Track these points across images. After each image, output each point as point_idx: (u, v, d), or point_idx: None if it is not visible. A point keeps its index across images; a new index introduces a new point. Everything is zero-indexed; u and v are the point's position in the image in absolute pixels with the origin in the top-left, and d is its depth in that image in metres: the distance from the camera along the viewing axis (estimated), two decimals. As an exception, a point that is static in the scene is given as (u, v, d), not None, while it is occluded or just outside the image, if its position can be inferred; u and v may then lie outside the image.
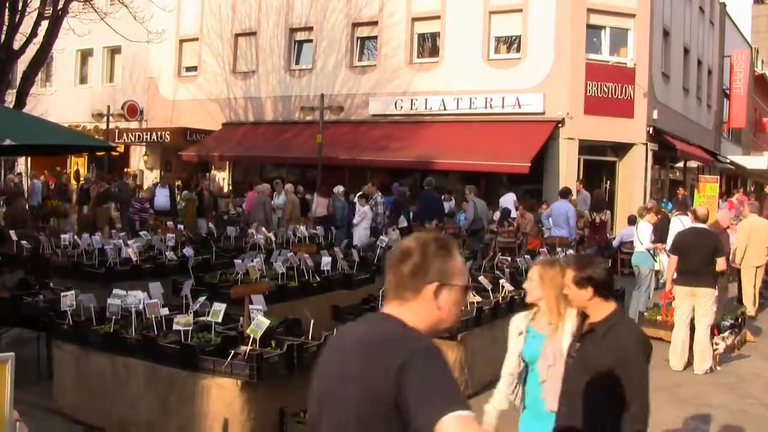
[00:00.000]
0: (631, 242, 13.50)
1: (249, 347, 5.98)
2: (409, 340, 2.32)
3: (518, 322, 4.60)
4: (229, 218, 19.64)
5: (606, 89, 21.91)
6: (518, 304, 9.06)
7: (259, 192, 18.07)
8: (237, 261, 9.58)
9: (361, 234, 16.04)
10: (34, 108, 23.20)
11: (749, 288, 13.41)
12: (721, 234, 11.70)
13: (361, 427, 2.27)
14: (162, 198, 18.62)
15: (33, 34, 17.86)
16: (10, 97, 18.58)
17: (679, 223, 12.67)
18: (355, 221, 16.31)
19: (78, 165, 32.03)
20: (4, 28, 17.15)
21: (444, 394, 2.19)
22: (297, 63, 26.95)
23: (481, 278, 9.09)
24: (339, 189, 18.21)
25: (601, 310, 3.93)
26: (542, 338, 4.35)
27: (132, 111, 29.88)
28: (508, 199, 19.08)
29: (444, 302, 2.42)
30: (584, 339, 3.96)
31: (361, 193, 17.29)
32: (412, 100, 23.68)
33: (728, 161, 33.80)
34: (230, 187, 26.95)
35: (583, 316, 4.04)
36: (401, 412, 2.19)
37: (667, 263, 11.35)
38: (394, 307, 2.44)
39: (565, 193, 15.44)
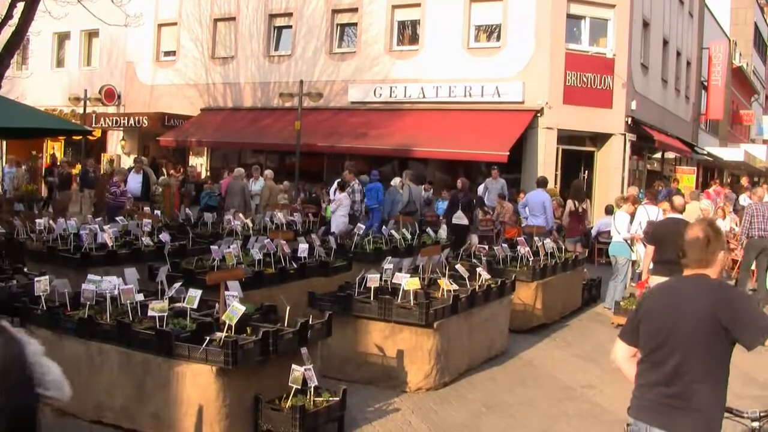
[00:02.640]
0: (609, 232, 13.59)
1: (224, 334, 5.95)
2: (726, 287, 3.89)
3: None
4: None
5: (585, 79, 21.98)
6: (495, 292, 9.12)
7: (235, 177, 17.93)
8: (213, 247, 9.55)
9: (338, 221, 16.02)
10: (9, 91, 22.90)
11: None
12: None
13: (703, 341, 3.57)
14: (134, 184, 18.27)
15: (8, 16, 17.59)
16: (-15, 80, 18.30)
17: (644, 213, 12.74)
18: (332, 209, 16.33)
19: (54, 149, 31.70)
20: (-21, 10, 16.91)
21: (764, 318, 3.61)
22: (276, 49, 26.79)
23: (458, 266, 9.12)
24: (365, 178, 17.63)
25: None
26: None
27: (109, 95, 29.61)
28: (481, 189, 19.27)
29: (721, 262, 3.82)
30: None
31: (339, 180, 17.26)
32: (391, 87, 23.63)
33: (705, 153, 34.06)
34: (208, 173, 26.78)
35: None
36: (728, 331, 3.52)
37: (643, 253, 11.45)
38: (698, 271, 3.75)
39: (542, 183, 15.49)
